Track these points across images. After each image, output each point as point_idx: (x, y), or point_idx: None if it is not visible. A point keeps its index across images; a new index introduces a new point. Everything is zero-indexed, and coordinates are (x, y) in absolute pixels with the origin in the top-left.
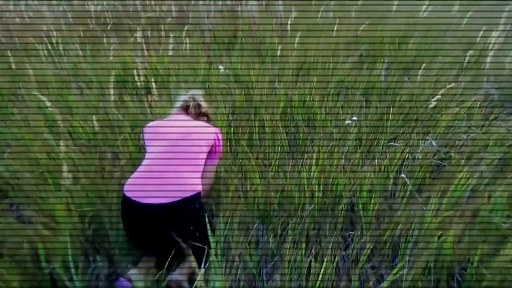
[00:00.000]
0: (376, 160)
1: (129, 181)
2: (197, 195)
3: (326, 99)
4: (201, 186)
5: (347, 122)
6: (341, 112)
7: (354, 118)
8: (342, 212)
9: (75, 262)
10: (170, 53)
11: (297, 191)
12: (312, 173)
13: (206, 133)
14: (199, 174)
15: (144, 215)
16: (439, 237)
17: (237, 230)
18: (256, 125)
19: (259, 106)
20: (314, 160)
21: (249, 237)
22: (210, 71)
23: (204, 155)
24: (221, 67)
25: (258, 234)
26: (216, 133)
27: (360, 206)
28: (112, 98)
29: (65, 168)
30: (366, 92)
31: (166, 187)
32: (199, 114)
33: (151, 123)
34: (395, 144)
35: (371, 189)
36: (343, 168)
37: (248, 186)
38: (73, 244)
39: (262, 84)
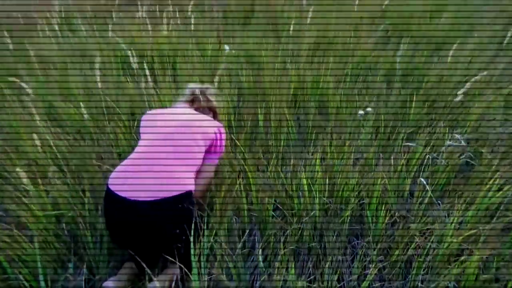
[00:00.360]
0: (392, 157)
1: (114, 173)
2: (186, 195)
3: (342, 82)
4: (193, 185)
5: (360, 113)
6: (357, 98)
7: (369, 109)
8: (348, 219)
9: (45, 270)
10: (175, 31)
11: (299, 195)
12: (316, 170)
13: (207, 126)
14: (193, 171)
15: (125, 211)
16: (461, 260)
17: (226, 239)
18: (263, 112)
19: (267, 90)
20: (319, 155)
21: (237, 250)
22: (219, 51)
23: (202, 151)
24: (226, 46)
25: (255, 242)
26: (218, 129)
27: (370, 217)
28: (99, 78)
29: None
30: (389, 74)
31: (153, 183)
32: (206, 109)
33: (149, 112)
34: (413, 144)
35: (384, 194)
36: (355, 161)
37: (240, 183)
38: (45, 250)
39: (274, 65)
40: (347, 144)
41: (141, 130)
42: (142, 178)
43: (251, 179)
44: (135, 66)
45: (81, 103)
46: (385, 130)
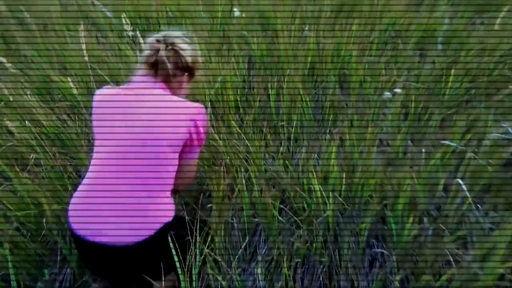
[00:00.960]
0: (423, 154)
1: (73, 200)
2: (164, 228)
3: (368, 50)
4: (171, 211)
5: (386, 94)
6: (384, 71)
7: (398, 90)
8: (368, 225)
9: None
10: None
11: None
12: (331, 164)
13: (176, 126)
14: (168, 190)
15: (95, 254)
16: None
17: (222, 248)
18: (275, 85)
19: (282, 59)
20: (336, 142)
21: (233, 263)
22: (230, 14)
23: (175, 158)
24: (235, 9)
25: (256, 249)
26: (192, 117)
27: (393, 223)
28: (84, 45)
29: None
30: (422, 42)
31: (120, 221)
32: (176, 74)
33: (101, 94)
34: (451, 143)
35: (413, 195)
36: (378, 150)
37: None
38: (22, 250)
39: (290, 31)
40: (370, 128)
41: (94, 125)
42: (104, 216)
43: (253, 179)
44: (130, 34)
45: (69, 77)
46: (416, 111)
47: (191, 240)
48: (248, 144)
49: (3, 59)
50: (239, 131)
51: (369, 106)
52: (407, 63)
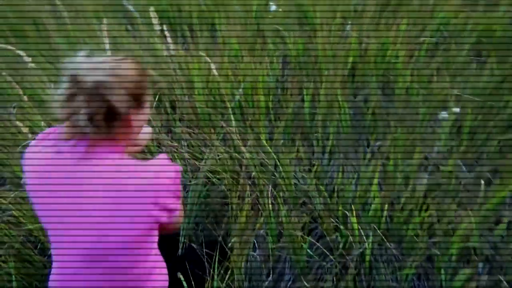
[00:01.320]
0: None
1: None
2: None
3: (417, 51)
4: (166, 277)
5: (442, 115)
6: (435, 75)
7: (456, 109)
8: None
9: None
10: None
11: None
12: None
13: (135, 223)
14: (152, 259)
15: None
16: None
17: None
18: (311, 87)
19: (319, 61)
20: (378, 161)
21: None
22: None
23: (151, 238)
24: (272, 3)
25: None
26: (156, 194)
27: (441, 262)
28: (107, 46)
29: None
30: (480, 42)
31: None
32: (115, 125)
33: (33, 171)
34: None
35: (469, 233)
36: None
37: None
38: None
39: (330, 28)
40: (417, 148)
41: (34, 202)
42: None
43: (279, 198)
44: (157, 29)
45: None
46: (472, 130)
47: (208, 277)
48: (278, 163)
49: (28, 59)
50: (269, 148)
51: (416, 116)
52: (461, 67)
